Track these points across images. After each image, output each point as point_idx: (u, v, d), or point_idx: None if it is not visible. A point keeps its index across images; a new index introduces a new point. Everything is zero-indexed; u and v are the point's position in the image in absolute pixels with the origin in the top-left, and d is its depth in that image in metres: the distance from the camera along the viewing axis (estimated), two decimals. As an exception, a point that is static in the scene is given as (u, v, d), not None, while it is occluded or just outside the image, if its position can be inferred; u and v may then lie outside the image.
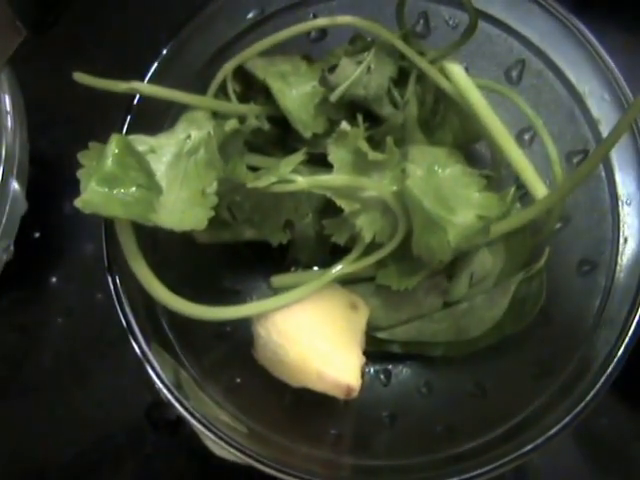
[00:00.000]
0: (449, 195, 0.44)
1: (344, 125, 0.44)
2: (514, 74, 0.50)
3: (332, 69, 0.46)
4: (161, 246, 0.45)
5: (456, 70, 0.47)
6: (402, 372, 0.51)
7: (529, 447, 0.40)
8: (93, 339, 0.56)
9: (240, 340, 0.47)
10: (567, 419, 0.41)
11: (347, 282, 0.49)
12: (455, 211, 0.43)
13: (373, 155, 0.43)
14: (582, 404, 0.41)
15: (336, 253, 0.47)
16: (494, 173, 0.50)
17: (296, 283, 0.46)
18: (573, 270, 0.48)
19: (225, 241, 0.49)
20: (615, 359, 0.42)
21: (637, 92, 0.44)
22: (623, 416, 0.54)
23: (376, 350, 0.51)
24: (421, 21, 0.50)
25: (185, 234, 0.42)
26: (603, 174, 0.48)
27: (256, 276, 0.53)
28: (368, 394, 0.49)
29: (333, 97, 0.46)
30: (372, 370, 0.51)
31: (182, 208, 0.40)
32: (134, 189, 0.40)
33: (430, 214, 0.43)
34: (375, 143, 0.46)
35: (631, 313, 0.43)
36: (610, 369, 0.41)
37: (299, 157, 0.44)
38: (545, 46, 0.48)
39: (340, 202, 0.44)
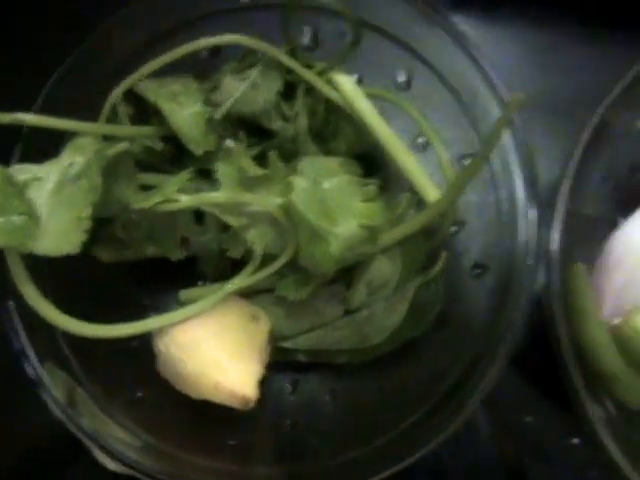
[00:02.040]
0: (333, 206, 0.45)
1: (228, 142, 0.45)
2: (403, 81, 0.51)
3: (217, 87, 0.47)
4: (69, 265, 0.46)
5: (344, 81, 0.48)
6: (309, 381, 0.52)
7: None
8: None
9: (146, 355, 0.48)
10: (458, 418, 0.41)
11: (250, 294, 0.50)
12: (337, 222, 0.44)
13: (254, 170, 0.44)
14: (470, 403, 0.41)
15: (240, 266, 0.48)
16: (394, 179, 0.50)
17: (202, 297, 0.47)
18: (467, 273, 0.49)
19: (129, 259, 0.50)
20: (501, 360, 0.43)
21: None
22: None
23: (283, 360, 0.51)
24: (309, 34, 0.51)
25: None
26: (495, 177, 0.48)
27: (169, 291, 0.53)
28: (273, 403, 0.50)
29: (217, 115, 0.47)
30: (279, 380, 0.52)
31: (58, 233, 0.41)
32: (15, 217, 0.41)
33: (313, 226, 0.44)
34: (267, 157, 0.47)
35: (520, 313, 0.44)
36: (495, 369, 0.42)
37: (184, 177, 0.45)
38: (429, 54, 0.48)
39: (226, 218, 0.45)
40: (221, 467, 0.45)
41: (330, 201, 0.45)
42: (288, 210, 0.44)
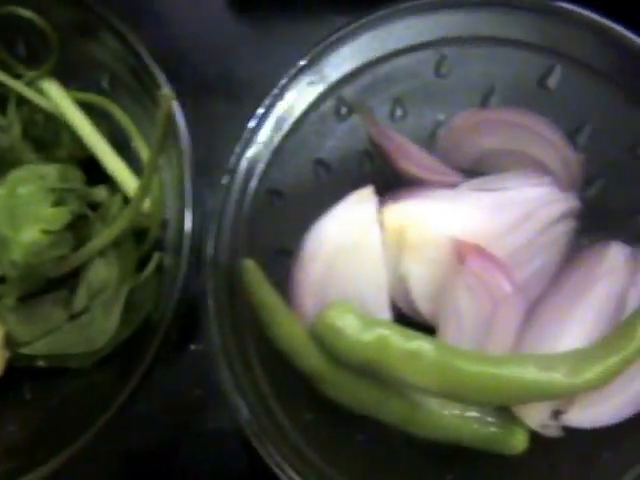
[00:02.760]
0: (21, 213, 0.45)
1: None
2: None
3: None
4: None
5: (50, 87, 0.49)
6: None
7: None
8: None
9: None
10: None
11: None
12: (21, 229, 0.45)
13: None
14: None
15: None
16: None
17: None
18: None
19: None
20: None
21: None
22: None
23: (27, 365, 0.52)
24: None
25: None
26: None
27: None
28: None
29: None
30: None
31: None
32: None
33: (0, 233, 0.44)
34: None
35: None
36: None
37: None
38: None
39: None
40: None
41: (20, 208, 0.45)
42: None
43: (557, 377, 0.43)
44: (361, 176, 0.49)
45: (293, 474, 0.42)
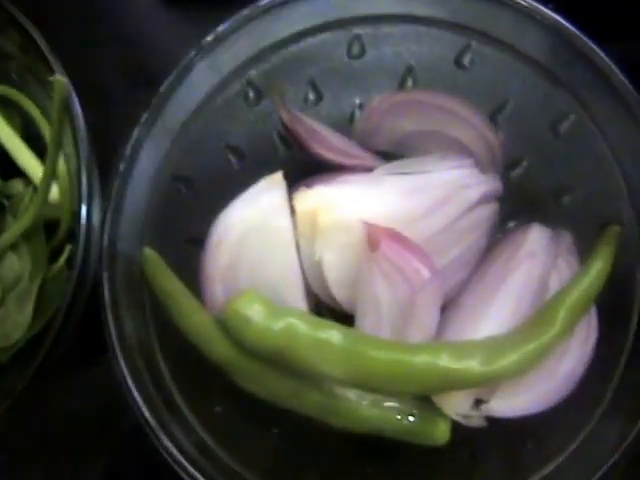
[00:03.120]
0: None
1: None
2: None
3: None
4: None
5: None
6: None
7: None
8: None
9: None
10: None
11: None
12: None
13: None
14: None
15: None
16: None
17: None
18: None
19: None
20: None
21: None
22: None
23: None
24: None
25: None
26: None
27: None
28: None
29: None
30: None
31: None
32: None
33: None
34: None
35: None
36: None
37: None
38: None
39: None
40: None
41: None
42: None
43: (472, 365, 0.42)
44: (276, 163, 0.48)
45: (194, 471, 0.40)
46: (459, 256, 0.47)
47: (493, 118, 0.48)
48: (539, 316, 0.44)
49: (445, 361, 0.42)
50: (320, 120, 0.48)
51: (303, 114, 0.47)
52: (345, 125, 0.49)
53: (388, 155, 0.50)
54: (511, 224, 0.50)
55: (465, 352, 0.42)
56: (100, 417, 0.53)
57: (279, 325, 0.42)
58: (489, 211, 0.48)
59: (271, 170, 0.46)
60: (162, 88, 0.42)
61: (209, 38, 0.43)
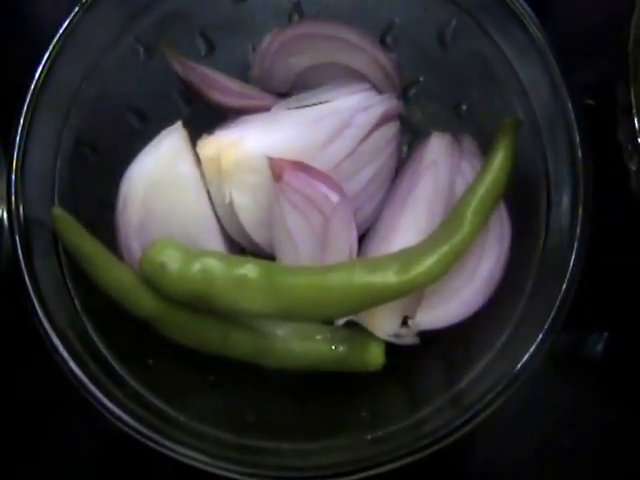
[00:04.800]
0: None
1: None
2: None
3: None
4: None
5: None
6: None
7: None
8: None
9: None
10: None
11: None
12: None
13: None
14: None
15: None
16: None
17: None
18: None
19: None
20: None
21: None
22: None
23: None
24: None
25: None
26: None
27: None
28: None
29: None
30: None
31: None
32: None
33: None
34: None
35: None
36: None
37: None
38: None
39: None
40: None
41: None
42: None
43: (387, 276, 0.42)
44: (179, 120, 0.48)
45: (134, 422, 0.40)
46: (371, 179, 0.48)
47: (383, 41, 0.48)
48: (448, 220, 0.44)
49: (360, 276, 0.42)
50: (217, 69, 0.48)
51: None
52: (244, 73, 0.49)
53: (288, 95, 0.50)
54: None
55: (380, 264, 0.43)
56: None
57: (195, 267, 0.42)
58: (392, 130, 0.48)
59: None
60: (46, 53, 0.42)
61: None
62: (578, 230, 0.40)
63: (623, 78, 0.41)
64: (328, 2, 0.48)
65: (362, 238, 0.48)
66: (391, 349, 0.45)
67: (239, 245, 0.48)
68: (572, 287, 0.40)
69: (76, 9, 0.43)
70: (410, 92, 0.50)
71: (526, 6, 0.42)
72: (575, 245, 0.40)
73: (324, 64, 0.49)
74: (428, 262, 0.42)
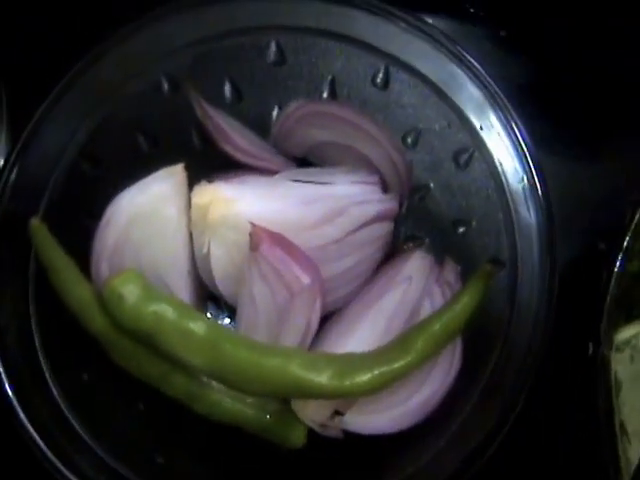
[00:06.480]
0: None
1: None
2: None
3: None
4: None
5: None
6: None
7: None
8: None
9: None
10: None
11: None
12: None
13: None
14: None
15: None
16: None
17: None
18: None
19: None
20: None
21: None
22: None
23: None
24: None
25: None
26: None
27: None
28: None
29: None
30: None
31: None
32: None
33: None
34: None
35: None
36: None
37: None
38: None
39: None
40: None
41: None
42: None
43: (320, 377, 0.43)
44: (192, 153, 0.49)
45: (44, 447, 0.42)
46: (350, 268, 0.48)
47: (404, 141, 0.48)
48: (399, 341, 0.44)
49: (295, 368, 0.43)
50: (241, 119, 0.49)
51: (223, 111, 0.49)
52: (266, 127, 0.50)
53: (304, 162, 0.50)
54: (409, 246, 0.49)
55: (316, 363, 0.43)
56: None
57: (150, 308, 0.44)
58: (384, 229, 0.49)
59: (186, 160, 0.48)
60: (71, 72, 0.44)
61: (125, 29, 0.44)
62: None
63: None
64: (360, 88, 0.48)
65: (331, 315, 0.49)
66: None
67: (209, 290, 0.49)
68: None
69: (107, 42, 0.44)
70: (417, 196, 0.50)
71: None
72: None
73: (340, 144, 0.49)
74: (362, 377, 0.43)
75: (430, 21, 0.46)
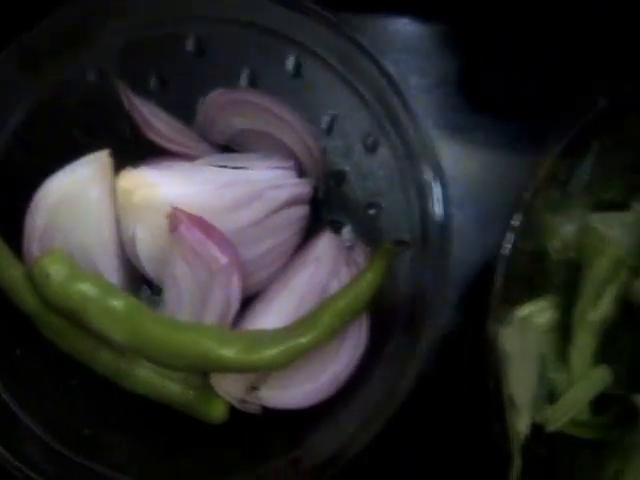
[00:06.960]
0: None
1: None
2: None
3: None
4: None
5: None
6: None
7: None
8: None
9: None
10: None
11: None
12: None
13: None
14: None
15: None
16: None
17: None
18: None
19: None
20: None
21: None
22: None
23: None
24: None
25: None
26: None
27: None
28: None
29: None
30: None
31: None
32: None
33: None
34: None
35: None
36: None
37: None
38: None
39: None
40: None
41: None
42: None
43: (229, 351, 0.45)
44: (124, 142, 0.52)
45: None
46: (269, 251, 0.51)
47: (319, 127, 0.50)
48: (306, 318, 0.47)
49: (206, 342, 0.46)
50: (167, 108, 0.52)
51: (150, 100, 0.51)
52: (192, 116, 0.53)
53: (228, 149, 0.53)
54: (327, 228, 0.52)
55: (227, 338, 0.46)
56: None
57: (75, 287, 0.47)
58: (300, 213, 0.51)
59: (118, 147, 0.50)
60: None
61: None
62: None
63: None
64: (277, 77, 0.50)
65: (254, 297, 0.51)
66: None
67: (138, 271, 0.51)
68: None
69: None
70: (333, 180, 0.52)
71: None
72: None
73: (258, 131, 0.51)
74: (270, 351, 0.45)
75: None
